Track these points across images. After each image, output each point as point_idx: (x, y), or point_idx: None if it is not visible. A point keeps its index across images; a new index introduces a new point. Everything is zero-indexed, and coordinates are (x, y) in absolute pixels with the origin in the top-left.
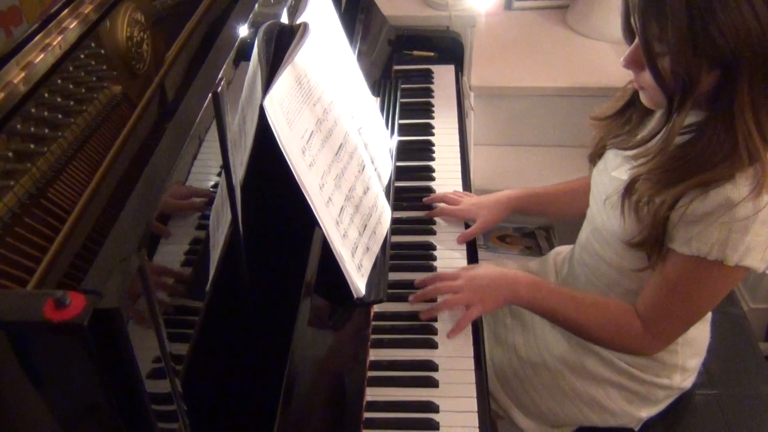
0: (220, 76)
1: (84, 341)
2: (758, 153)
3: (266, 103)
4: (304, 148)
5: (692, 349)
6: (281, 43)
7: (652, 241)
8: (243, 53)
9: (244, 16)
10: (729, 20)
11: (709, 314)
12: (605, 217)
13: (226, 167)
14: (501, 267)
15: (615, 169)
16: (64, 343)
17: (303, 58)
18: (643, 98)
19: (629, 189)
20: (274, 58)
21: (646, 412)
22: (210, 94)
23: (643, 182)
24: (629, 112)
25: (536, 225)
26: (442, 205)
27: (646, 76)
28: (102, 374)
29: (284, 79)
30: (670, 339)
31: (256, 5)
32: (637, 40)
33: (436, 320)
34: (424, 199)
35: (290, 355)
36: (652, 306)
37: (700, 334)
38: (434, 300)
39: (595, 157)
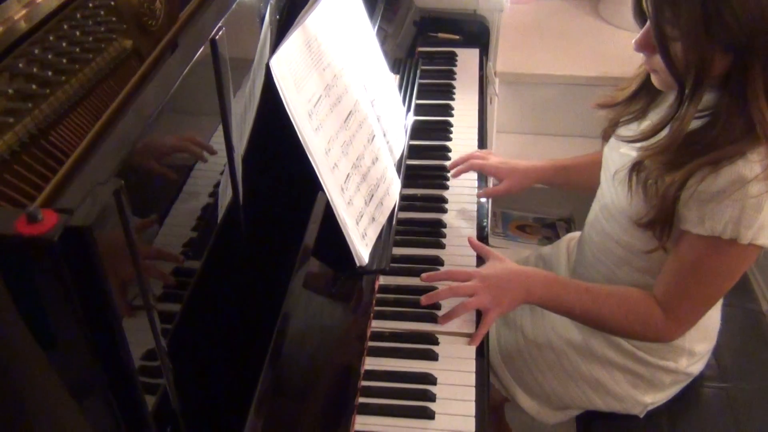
0: (220, 24)
1: (53, 257)
2: None
3: (273, 63)
4: (311, 111)
5: (700, 333)
6: (295, 10)
7: (662, 222)
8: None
9: None
10: (743, 4)
11: (720, 300)
12: (614, 193)
13: (224, 120)
14: (510, 263)
15: (624, 146)
16: (35, 259)
17: (314, 23)
18: (655, 80)
19: (636, 166)
20: (287, 23)
21: (651, 398)
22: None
23: (652, 161)
24: (638, 98)
25: (557, 216)
26: (471, 160)
27: (658, 59)
28: (72, 294)
29: (293, 41)
30: (690, 322)
31: None
32: (649, 23)
33: None
34: (450, 164)
35: (280, 316)
36: (669, 290)
37: (709, 318)
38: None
39: (609, 134)
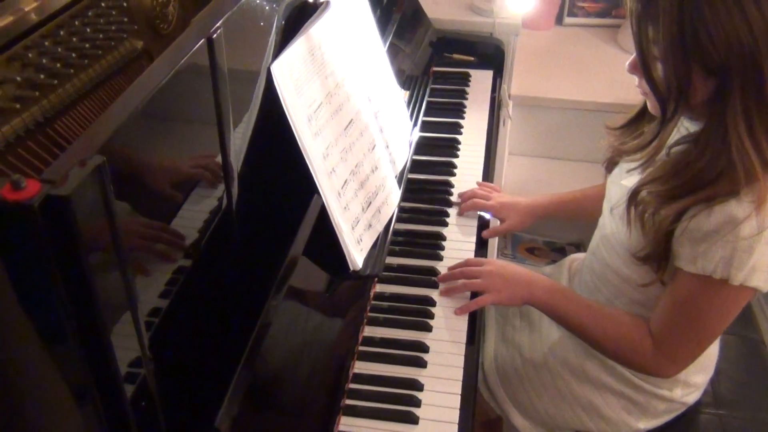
0: (218, 24)
1: (34, 223)
2: (754, 169)
3: (274, 68)
4: (310, 116)
5: (697, 365)
6: (302, 18)
7: (658, 256)
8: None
9: None
10: (719, 26)
11: (715, 340)
12: (614, 225)
13: (218, 117)
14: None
15: (625, 179)
16: (17, 223)
17: (319, 32)
18: (649, 106)
19: (633, 197)
20: (293, 30)
21: (644, 424)
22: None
23: (648, 194)
24: (641, 123)
25: (566, 240)
26: (474, 199)
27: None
28: (50, 258)
29: (296, 48)
30: (683, 361)
31: None
32: None
33: (434, 305)
34: (458, 195)
35: (263, 314)
36: (661, 325)
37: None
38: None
39: (611, 165)
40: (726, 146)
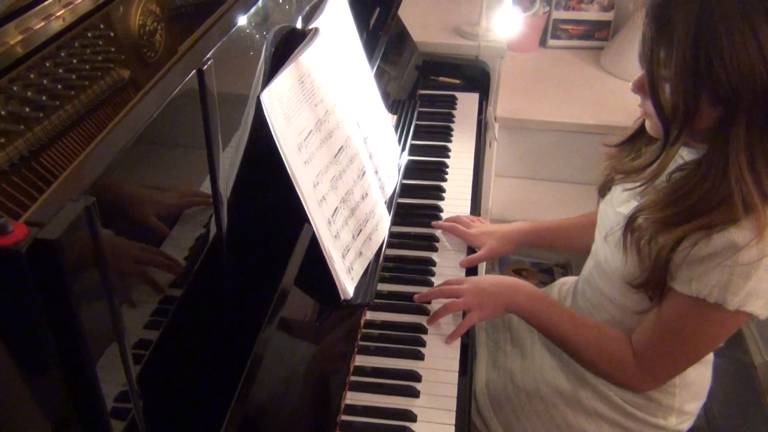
0: (208, 56)
1: (21, 268)
2: (752, 200)
3: (263, 96)
4: (300, 145)
5: (691, 392)
6: (291, 45)
7: (654, 284)
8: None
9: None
10: (734, 55)
11: (711, 358)
12: (608, 253)
13: (208, 147)
14: (507, 276)
15: (620, 205)
16: (3, 268)
17: (308, 59)
18: (648, 127)
19: (630, 224)
20: (282, 58)
21: None
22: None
23: (645, 221)
24: (638, 143)
25: (554, 261)
26: (453, 224)
27: (650, 103)
28: (38, 304)
29: (286, 76)
30: (662, 378)
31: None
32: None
33: (425, 333)
34: (434, 223)
35: (255, 347)
36: (645, 342)
37: (700, 377)
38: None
39: (605, 189)
40: (726, 176)
